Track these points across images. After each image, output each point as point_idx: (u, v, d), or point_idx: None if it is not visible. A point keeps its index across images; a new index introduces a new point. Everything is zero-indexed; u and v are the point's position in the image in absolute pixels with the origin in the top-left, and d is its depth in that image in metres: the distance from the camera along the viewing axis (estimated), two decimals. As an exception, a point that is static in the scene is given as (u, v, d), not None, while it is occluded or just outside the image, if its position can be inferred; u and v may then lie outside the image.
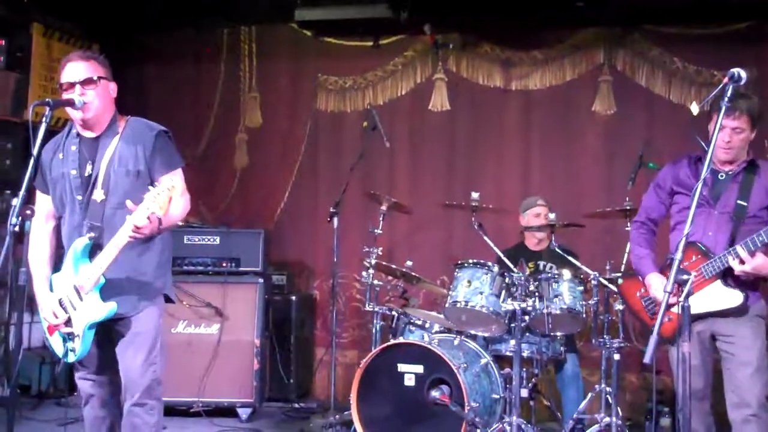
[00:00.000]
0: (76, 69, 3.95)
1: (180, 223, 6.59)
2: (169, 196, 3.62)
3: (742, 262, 4.03)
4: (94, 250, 3.88)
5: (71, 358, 3.92)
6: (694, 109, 3.89)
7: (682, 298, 3.17)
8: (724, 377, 4.21)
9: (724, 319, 4.16)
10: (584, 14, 6.85)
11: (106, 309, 3.83)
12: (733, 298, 4.13)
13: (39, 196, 4.13)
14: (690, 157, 4.41)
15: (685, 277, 3.17)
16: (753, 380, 4.10)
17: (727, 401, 4.18)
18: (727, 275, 4.14)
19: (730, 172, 4.26)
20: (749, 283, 4.18)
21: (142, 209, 3.60)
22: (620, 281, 4.94)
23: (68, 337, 3.88)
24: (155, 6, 7.27)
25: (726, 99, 3.40)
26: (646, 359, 3.05)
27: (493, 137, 7.35)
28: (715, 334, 4.21)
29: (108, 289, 3.86)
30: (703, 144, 4.12)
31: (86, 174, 3.95)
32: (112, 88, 4.07)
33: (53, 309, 3.91)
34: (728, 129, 4.13)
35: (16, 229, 3.54)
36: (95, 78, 3.95)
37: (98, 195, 3.92)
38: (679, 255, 3.18)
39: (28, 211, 4.06)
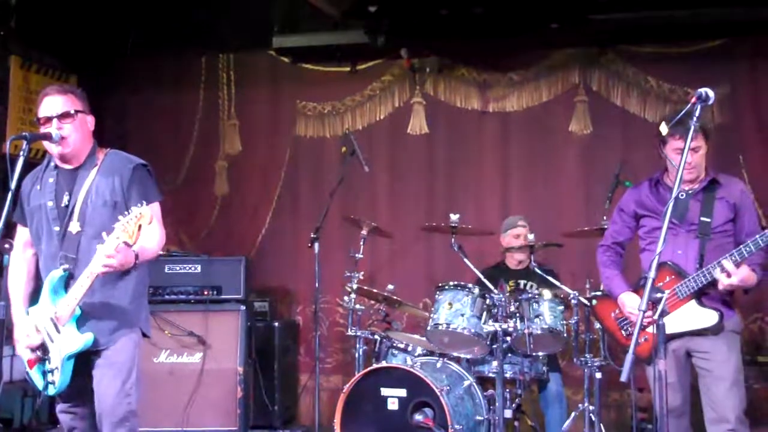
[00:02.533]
0: (53, 103, 3.96)
1: (161, 252, 6.60)
2: (138, 224, 3.62)
3: (729, 275, 4.07)
4: (68, 281, 3.88)
5: (51, 390, 3.90)
6: (663, 129, 3.94)
7: (656, 316, 3.21)
8: (701, 393, 4.25)
9: (699, 336, 4.20)
10: (559, 36, 6.93)
11: (83, 340, 3.83)
12: (708, 317, 4.17)
13: (19, 228, 4.14)
14: (650, 179, 4.51)
15: (658, 295, 3.21)
16: (730, 395, 4.14)
17: (705, 417, 4.21)
18: (701, 295, 4.19)
19: (690, 191, 4.34)
20: (723, 301, 4.23)
21: (112, 239, 3.62)
22: (594, 302, 4.98)
23: (48, 371, 3.87)
24: (134, 34, 7.30)
25: (695, 118, 3.46)
26: (623, 377, 3.10)
27: (471, 159, 7.40)
28: (690, 351, 4.25)
29: (84, 320, 3.86)
30: (673, 162, 4.20)
31: (63, 205, 3.95)
32: (90, 121, 4.08)
33: (27, 331, 3.90)
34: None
35: (-5, 262, 3.55)
36: (72, 112, 3.96)
37: (74, 227, 3.92)
38: (652, 273, 3.23)
39: (7, 245, 4.08)
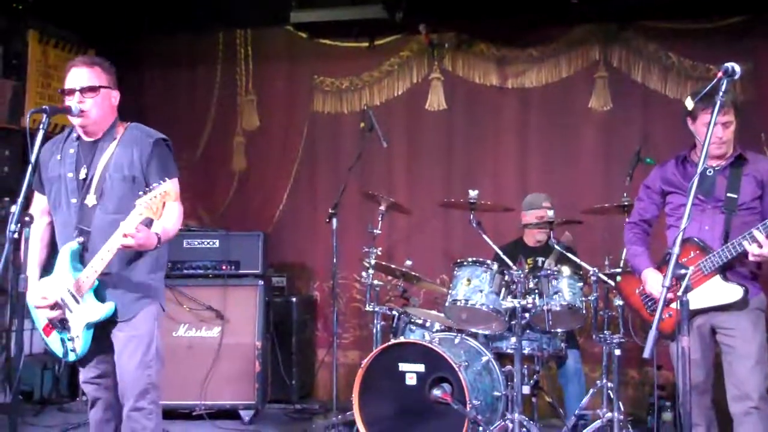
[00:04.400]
0: (78, 75, 3.94)
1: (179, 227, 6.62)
2: (163, 201, 3.62)
3: (760, 245, 4.03)
4: (83, 253, 3.89)
5: (72, 357, 3.93)
6: (689, 104, 3.89)
7: (680, 293, 3.19)
8: (724, 370, 4.22)
9: (724, 312, 4.17)
10: (579, 11, 6.87)
11: (105, 309, 3.84)
12: (734, 292, 4.14)
13: (36, 195, 4.13)
14: (677, 157, 4.47)
15: (682, 271, 3.19)
16: (753, 373, 4.11)
17: (728, 394, 4.19)
18: (726, 270, 4.15)
19: (717, 167, 4.30)
20: (749, 277, 4.21)
21: (134, 215, 3.62)
22: (618, 279, 4.96)
23: (68, 338, 3.88)
24: (152, 11, 7.28)
25: (721, 94, 3.42)
26: (646, 354, 3.07)
27: (490, 135, 7.37)
28: (714, 327, 4.23)
29: (103, 291, 3.87)
30: (697, 137, 4.17)
31: (81, 177, 3.95)
32: (114, 96, 4.05)
33: (42, 293, 3.90)
34: (719, 125, 4.15)
35: (16, 236, 3.54)
36: (96, 86, 3.94)
37: (90, 199, 3.91)
38: (676, 249, 3.20)
39: (27, 218, 4.07)
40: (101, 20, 7.42)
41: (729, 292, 4.14)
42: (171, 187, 3.66)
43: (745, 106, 6.52)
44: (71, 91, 3.92)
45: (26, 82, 7.02)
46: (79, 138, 4.03)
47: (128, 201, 3.71)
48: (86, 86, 3.91)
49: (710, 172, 4.29)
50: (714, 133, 4.12)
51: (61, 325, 3.90)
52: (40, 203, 4.14)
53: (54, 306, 3.89)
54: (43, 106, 3.90)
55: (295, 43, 7.74)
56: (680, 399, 3.34)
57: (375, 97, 7.59)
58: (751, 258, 4.06)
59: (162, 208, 3.64)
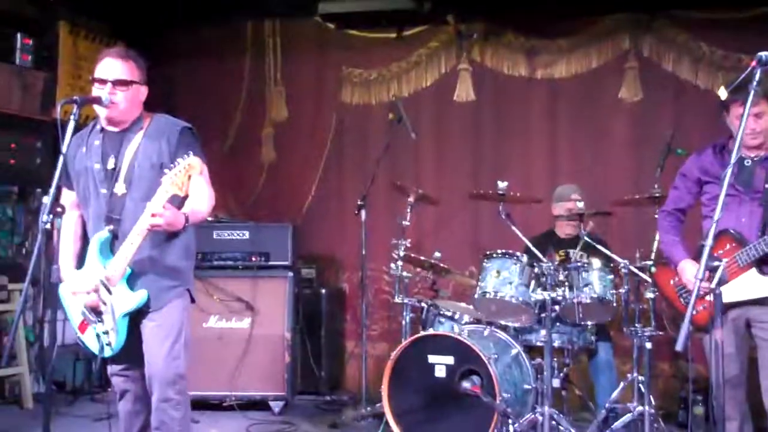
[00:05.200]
0: (111, 66, 3.95)
1: (209, 219, 6.63)
2: (188, 175, 3.62)
3: None
4: (113, 242, 3.90)
5: (108, 352, 3.93)
6: (722, 93, 3.83)
7: (713, 285, 3.15)
8: (759, 364, 4.18)
9: (759, 306, 4.12)
10: (609, 1, 6.81)
11: (138, 298, 3.86)
12: None
13: (64, 190, 4.16)
14: (714, 145, 4.40)
15: (716, 263, 3.15)
16: (789, 366, 4.07)
17: (762, 388, 4.15)
18: (762, 263, 4.09)
19: (756, 158, 4.24)
20: None
21: (161, 192, 3.62)
22: (653, 269, 4.92)
23: (102, 332, 3.90)
24: (181, 2, 7.30)
25: (755, 83, 3.37)
26: (678, 347, 3.03)
27: (519, 126, 7.31)
28: (750, 320, 4.18)
29: (135, 280, 3.89)
30: (732, 129, 4.11)
31: (109, 167, 3.96)
32: (143, 91, 4.07)
33: (76, 285, 3.93)
34: (751, 116, 4.10)
35: (48, 226, 3.57)
36: (129, 80, 3.95)
37: (119, 188, 3.93)
38: (709, 242, 3.16)
39: (59, 209, 4.11)
40: (131, 12, 7.45)
41: (765, 285, 4.09)
42: (195, 160, 3.64)
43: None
44: (103, 81, 3.93)
45: (57, 73, 7.06)
46: (103, 129, 4.04)
47: (157, 189, 3.70)
48: (119, 79, 3.93)
49: (749, 162, 4.24)
50: (747, 124, 4.09)
51: (95, 317, 3.91)
52: (68, 198, 4.18)
53: (92, 292, 3.89)
54: (74, 97, 3.91)
55: (323, 34, 7.73)
56: (713, 393, 3.30)
57: (403, 88, 7.55)
58: None
59: (187, 183, 3.63)
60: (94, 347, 3.98)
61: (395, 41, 7.57)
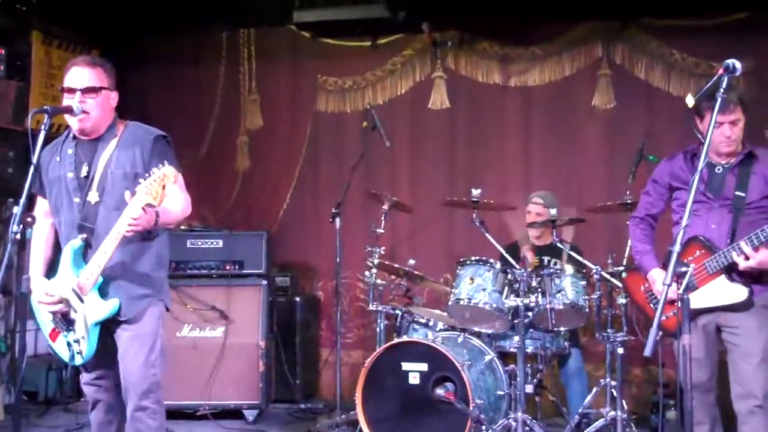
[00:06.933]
0: (79, 75, 3.94)
1: (183, 227, 6.63)
2: (162, 185, 3.60)
3: (746, 258, 4.02)
4: (86, 251, 3.89)
5: (78, 360, 3.92)
6: (690, 101, 3.86)
7: (681, 290, 3.18)
8: (729, 368, 4.21)
9: (729, 311, 4.15)
10: (582, 9, 6.85)
11: (109, 307, 3.84)
12: (738, 293, 4.11)
13: (38, 199, 4.15)
14: (686, 152, 4.43)
15: (684, 269, 3.18)
16: (759, 371, 4.09)
17: (732, 392, 4.17)
18: (731, 270, 4.12)
19: (727, 165, 4.26)
20: (754, 277, 4.16)
21: (136, 201, 3.60)
22: (624, 275, 4.94)
23: (74, 341, 3.88)
24: (155, 10, 7.28)
25: (722, 90, 3.41)
26: (647, 352, 3.06)
27: (493, 134, 7.35)
28: (720, 325, 4.20)
29: (106, 288, 3.87)
30: (701, 136, 4.14)
31: (82, 176, 3.95)
32: (113, 97, 4.06)
33: (46, 290, 3.90)
34: (726, 123, 4.14)
35: (18, 236, 3.55)
36: (97, 87, 3.94)
37: (93, 197, 3.92)
38: (677, 248, 3.19)
39: (30, 219, 4.09)
40: (105, 21, 7.42)
41: (733, 292, 4.12)
42: (169, 170, 3.63)
43: (749, 103, 6.53)
44: (71, 90, 3.92)
45: (30, 82, 7.02)
46: (76, 138, 4.03)
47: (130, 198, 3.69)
48: (88, 87, 3.92)
49: (719, 169, 4.26)
50: (722, 131, 4.14)
51: (66, 325, 3.90)
52: (42, 207, 4.16)
53: (58, 303, 3.88)
54: (45, 107, 3.90)
55: (299, 42, 7.73)
56: (682, 397, 3.33)
57: (378, 96, 7.57)
58: (740, 269, 4.05)
59: (162, 192, 3.62)
60: (65, 355, 3.96)
61: (370, 50, 7.58)
